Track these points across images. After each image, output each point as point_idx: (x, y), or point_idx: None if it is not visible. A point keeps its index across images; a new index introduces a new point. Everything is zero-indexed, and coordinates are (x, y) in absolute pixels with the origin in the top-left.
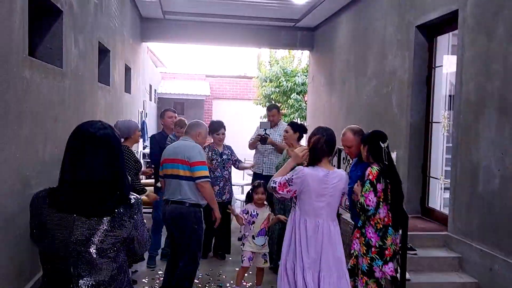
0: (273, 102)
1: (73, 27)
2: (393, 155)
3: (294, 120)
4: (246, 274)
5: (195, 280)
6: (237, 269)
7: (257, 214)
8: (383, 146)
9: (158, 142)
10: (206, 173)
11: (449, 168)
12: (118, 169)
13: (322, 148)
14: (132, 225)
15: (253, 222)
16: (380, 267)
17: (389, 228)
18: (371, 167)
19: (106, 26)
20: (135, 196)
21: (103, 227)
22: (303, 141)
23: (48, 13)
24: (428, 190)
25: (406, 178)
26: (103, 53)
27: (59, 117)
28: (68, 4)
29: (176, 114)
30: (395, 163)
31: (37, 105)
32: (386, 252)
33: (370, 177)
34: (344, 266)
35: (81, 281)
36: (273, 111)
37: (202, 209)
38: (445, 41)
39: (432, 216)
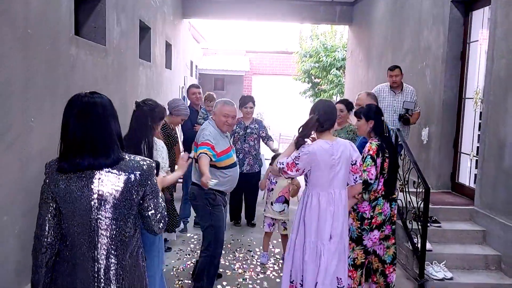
0: (312, 77)
1: (116, 7)
2: (425, 131)
3: (333, 96)
4: (275, 241)
5: (228, 245)
6: None
7: (276, 182)
8: (383, 119)
9: (190, 118)
10: (204, 150)
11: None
12: (107, 131)
13: (313, 125)
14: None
15: (272, 189)
16: (368, 235)
17: (379, 198)
18: (370, 143)
19: (147, 4)
20: (145, 160)
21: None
22: None
23: None
24: (459, 166)
25: (438, 153)
26: (144, 30)
27: (102, 90)
28: None
29: (200, 89)
30: (423, 138)
31: (83, 80)
32: (373, 220)
33: (371, 152)
34: (347, 232)
35: None
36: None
37: (215, 192)
38: (480, 16)
39: (461, 191)
